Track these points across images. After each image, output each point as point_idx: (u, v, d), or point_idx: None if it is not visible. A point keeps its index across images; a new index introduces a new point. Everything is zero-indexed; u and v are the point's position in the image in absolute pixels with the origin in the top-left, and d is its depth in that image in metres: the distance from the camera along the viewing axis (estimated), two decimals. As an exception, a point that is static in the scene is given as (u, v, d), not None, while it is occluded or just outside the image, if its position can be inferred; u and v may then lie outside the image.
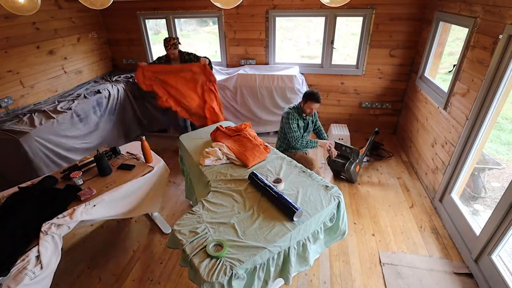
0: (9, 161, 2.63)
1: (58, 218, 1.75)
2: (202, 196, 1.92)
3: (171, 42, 3.28)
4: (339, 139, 3.75)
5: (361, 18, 3.67)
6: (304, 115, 2.83)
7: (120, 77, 4.10)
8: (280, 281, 1.90)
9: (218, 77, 3.79)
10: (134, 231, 2.66)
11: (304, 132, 2.91)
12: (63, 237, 1.75)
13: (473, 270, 2.14)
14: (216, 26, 4.08)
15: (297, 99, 3.70)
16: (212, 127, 2.71)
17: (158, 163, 2.38)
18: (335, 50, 3.89)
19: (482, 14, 2.31)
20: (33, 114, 2.92)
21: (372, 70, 3.90)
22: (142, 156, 2.38)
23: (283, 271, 1.63)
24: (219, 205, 1.78)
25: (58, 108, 3.10)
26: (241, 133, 2.44)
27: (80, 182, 2.09)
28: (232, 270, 1.37)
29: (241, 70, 3.89)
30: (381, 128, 4.26)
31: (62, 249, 1.73)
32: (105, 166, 2.20)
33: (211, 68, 3.42)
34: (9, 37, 2.97)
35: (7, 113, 2.94)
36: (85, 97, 3.39)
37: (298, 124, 2.82)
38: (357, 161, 3.10)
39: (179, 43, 3.37)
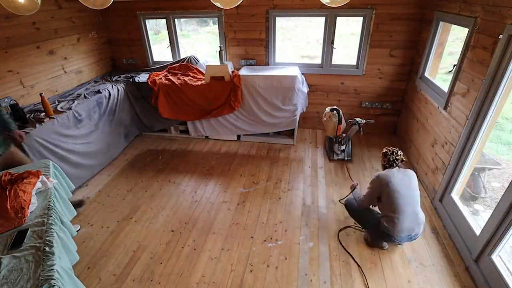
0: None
1: None
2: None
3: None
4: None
5: (361, 18, 3.67)
6: None
7: (120, 77, 4.11)
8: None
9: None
10: (134, 231, 2.66)
11: None
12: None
13: (473, 270, 2.14)
14: (216, 26, 4.08)
15: (298, 100, 3.69)
16: None
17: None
18: (335, 50, 3.89)
19: (482, 14, 2.31)
20: (33, 114, 2.92)
21: (372, 70, 3.90)
22: None
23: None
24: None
25: (58, 108, 3.11)
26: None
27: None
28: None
29: (241, 71, 3.89)
30: (380, 129, 4.27)
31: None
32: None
33: None
34: (9, 37, 2.96)
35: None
36: (85, 97, 3.39)
37: None
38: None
39: None
